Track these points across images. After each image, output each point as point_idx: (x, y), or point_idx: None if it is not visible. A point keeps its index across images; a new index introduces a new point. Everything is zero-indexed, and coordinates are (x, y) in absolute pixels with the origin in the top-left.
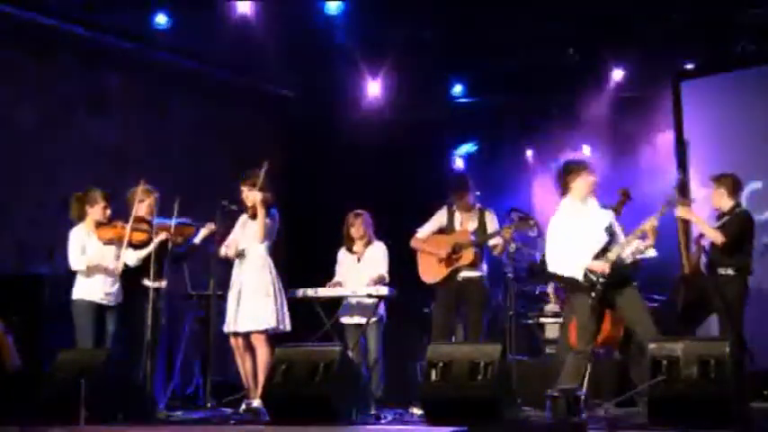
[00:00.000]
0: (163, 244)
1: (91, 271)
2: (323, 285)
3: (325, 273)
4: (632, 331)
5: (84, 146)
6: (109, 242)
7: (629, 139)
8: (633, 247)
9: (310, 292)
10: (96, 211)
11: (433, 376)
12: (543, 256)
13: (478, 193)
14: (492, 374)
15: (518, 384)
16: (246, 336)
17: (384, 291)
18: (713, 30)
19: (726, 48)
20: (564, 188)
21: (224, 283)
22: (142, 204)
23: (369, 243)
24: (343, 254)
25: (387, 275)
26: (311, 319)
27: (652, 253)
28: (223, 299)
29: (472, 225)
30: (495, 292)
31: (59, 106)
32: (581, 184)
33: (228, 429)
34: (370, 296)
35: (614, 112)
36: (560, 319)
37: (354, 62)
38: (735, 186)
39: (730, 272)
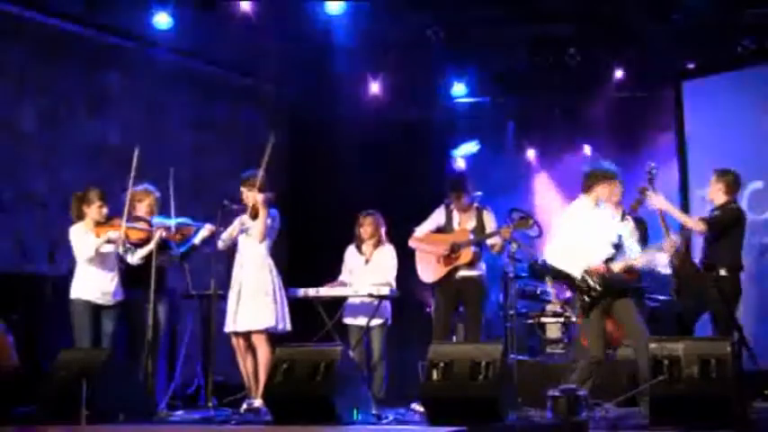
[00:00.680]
0: (163, 243)
1: (97, 258)
2: (323, 285)
3: (325, 272)
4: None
5: (84, 145)
6: (107, 241)
7: (630, 138)
8: (648, 258)
9: (311, 291)
10: (93, 211)
11: (435, 376)
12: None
13: (480, 192)
14: (493, 374)
15: (519, 384)
16: (247, 335)
17: (385, 291)
18: (714, 29)
19: (727, 48)
20: (586, 189)
21: (225, 283)
22: (142, 204)
23: (378, 244)
24: (351, 253)
25: (393, 282)
26: (313, 319)
27: (665, 270)
28: (224, 298)
29: (471, 224)
30: (495, 292)
31: (60, 106)
32: (604, 191)
33: (229, 429)
34: (371, 296)
35: (615, 112)
36: (561, 319)
37: (355, 62)
38: (734, 184)
39: (723, 272)
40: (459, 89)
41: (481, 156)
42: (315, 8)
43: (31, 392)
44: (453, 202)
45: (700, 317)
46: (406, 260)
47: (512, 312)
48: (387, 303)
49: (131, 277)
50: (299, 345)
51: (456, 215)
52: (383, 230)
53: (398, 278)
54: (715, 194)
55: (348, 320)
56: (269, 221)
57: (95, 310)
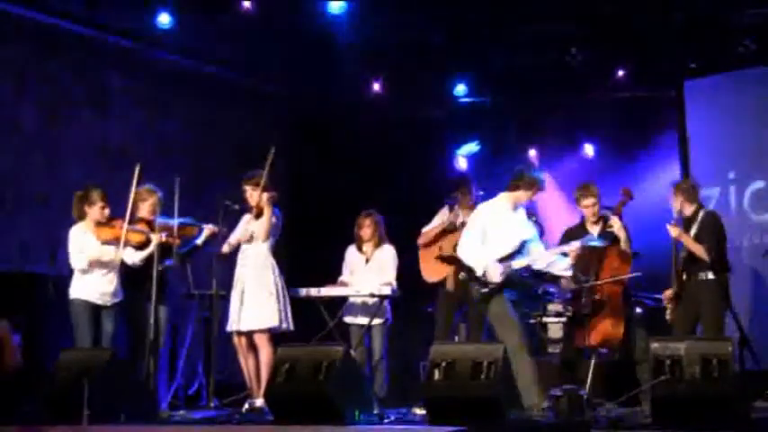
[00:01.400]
0: (164, 244)
1: (92, 266)
2: (324, 284)
3: (325, 272)
4: None
5: (86, 145)
6: (107, 242)
7: (632, 138)
8: (549, 262)
9: (313, 291)
10: (95, 211)
11: (436, 376)
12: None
13: (482, 192)
14: (495, 374)
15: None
16: (249, 335)
17: (387, 290)
18: (716, 29)
19: (728, 47)
20: (510, 188)
21: (226, 283)
22: (145, 204)
23: (379, 244)
24: (351, 253)
25: (394, 282)
26: (314, 319)
27: (565, 273)
28: (226, 298)
29: None
30: None
31: (61, 105)
32: (524, 195)
33: (231, 429)
34: (372, 296)
35: (616, 112)
36: (563, 319)
37: (356, 62)
38: (692, 190)
39: (710, 275)
40: (459, 89)
41: (482, 155)
42: (315, 8)
43: (33, 392)
44: (459, 199)
45: (696, 323)
46: (407, 259)
47: None
48: (388, 303)
49: (133, 277)
50: (301, 344)
51: (461, 215)
52: (382, 230)
53: (400, 278)
54: (682, 206)
55: (349, 320)
56: (273, 220)
57: (95, 310)
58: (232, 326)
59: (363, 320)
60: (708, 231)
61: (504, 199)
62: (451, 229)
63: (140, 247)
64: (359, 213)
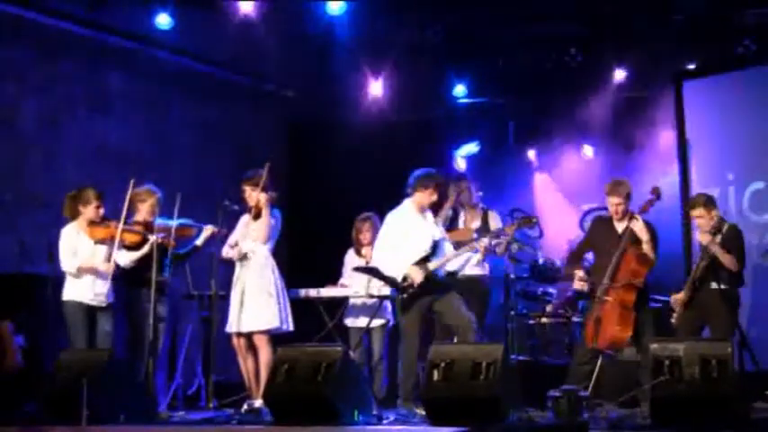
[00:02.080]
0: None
1: (82, 271)
2: (324, 286)
3: (326, 273)
4: (455, 334)
5: (86, 145)
6: (100, 242)
7: (631, 138)
8: (463, 259)
9: (312, 292)
10: (89, 211)
11: (436, 376)
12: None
13: (480, 193)
14: (494, 374)
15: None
16: (249, 336)
17: (386, 291)
18: (715, 30)
19: (728, 48)
20: (409, 194)
21: (226, 283)
22: (144, 205)
23: None
24: (350, 257)
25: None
26: (313, 320)
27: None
28: (225, 299)
29: (475, 224)
30: (497, 293)
31: (61, 106)
32: (423, 198)
33: (230, 429)
34: (371, 296)
35: (616, 112)
36: (562, 320)
37: (356, 62)
38: (714, 204)
39: (723, 286)
40: (459, 89)
41: (481, 156)
42: (315, 8)
43: (33, 393)
44: (460, 194)
45: (701, 331)
46: None
47: (512, 313)
48: (387, 304)
49: (132, 277)
50: (301, 345)
51: (461, 214)
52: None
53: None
54: (713, 219)
55: (349, 322)
56: (272, 221)
57: (89, 311)
58: (231, 327)
59: (363, 323)
60: (733, 244)
61: (408, 205)
62: (450, 228)
63: (134, 247)
64: (358, 213)
